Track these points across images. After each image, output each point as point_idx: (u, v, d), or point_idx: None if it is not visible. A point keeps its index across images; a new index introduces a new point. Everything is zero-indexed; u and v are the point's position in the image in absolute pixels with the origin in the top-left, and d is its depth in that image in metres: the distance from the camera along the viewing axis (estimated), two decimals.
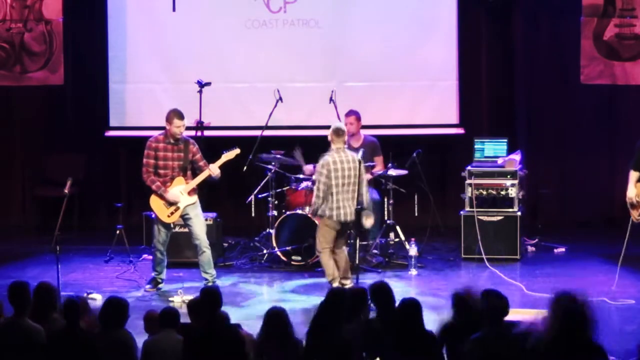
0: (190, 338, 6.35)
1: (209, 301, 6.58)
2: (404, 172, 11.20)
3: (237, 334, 6.45)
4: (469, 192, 11.13)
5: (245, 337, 6.49)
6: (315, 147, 10.99)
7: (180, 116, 9.82)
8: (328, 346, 6.20)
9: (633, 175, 9.61)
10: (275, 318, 6.36)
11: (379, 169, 11.22)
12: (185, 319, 6.80)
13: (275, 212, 11.23)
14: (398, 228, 11.26)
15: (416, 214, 11.97)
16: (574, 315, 5.64)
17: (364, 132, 11.41)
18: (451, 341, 6.30)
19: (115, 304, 6.54)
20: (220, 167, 9.94)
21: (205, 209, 10.22)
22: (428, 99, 12.78)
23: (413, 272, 10.57)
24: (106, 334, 6.41)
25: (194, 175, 9.93)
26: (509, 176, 11.14)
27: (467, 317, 6.21)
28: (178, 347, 6.38)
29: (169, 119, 9.82)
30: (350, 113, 11.27)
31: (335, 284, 9.25)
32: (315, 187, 9.57)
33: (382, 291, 6.78)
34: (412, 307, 6.33)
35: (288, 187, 11.31)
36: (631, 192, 9.58)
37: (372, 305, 6.84)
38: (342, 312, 6.46)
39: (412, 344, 6.20)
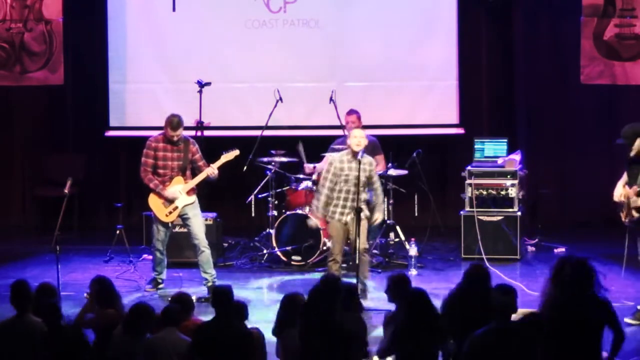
0: (199, 335, 6.38)
1: (218, 300, 6.58)
2: (404, 172, 11.21)
3: (245, 330, 6.48)
4: (469, 192, 11.14)
5: (253, 333, 6.54)
6: (315, 147, 11.01)
7: (174, 128, 9.64)
8: (324, 332, 6.23)
9: (625, 177, 9.57)
10: (292, 303, 6.49)
11: (380, 168, 11.21)
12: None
13: (275, 212, 11.23)
14: (398, 228, 11.27)
15: (416, 214, 11.97)
16: (577, 272, 6.03)
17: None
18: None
19: (141, 311, 6.57)
20: (219, 168, 9.92)
21: (205, 209, 10.22)
22: (428, 99, 12.78)
23: (413, 272, 10.57)
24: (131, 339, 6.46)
25: (194, 175, 9.91)
26: (509, 176, 11.14)
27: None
28: (180, 344, 6.40)
29: (165, 125, 9.76)
30: (351, 112, 11.26)
31: None
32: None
33: (404, 282, 6.87)
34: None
35: (288, 187, 11.32)
36: (617, 192, 9.51)
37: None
38: (337, 299, 6.51)
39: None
